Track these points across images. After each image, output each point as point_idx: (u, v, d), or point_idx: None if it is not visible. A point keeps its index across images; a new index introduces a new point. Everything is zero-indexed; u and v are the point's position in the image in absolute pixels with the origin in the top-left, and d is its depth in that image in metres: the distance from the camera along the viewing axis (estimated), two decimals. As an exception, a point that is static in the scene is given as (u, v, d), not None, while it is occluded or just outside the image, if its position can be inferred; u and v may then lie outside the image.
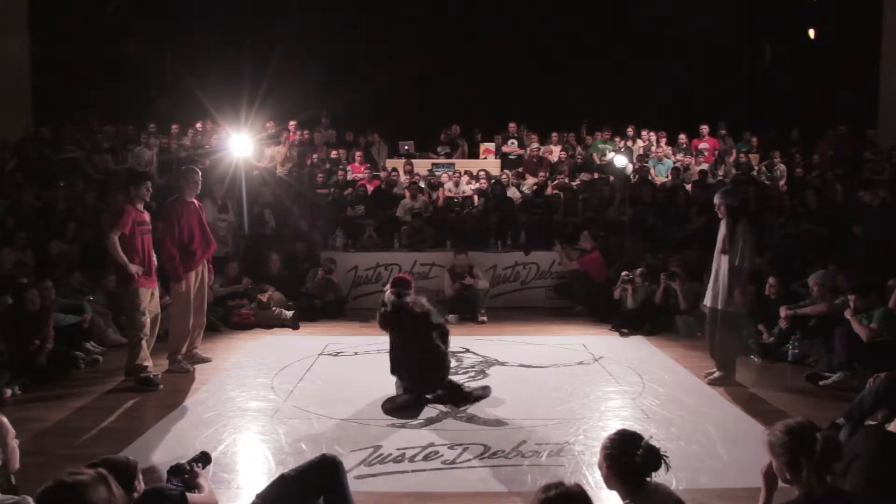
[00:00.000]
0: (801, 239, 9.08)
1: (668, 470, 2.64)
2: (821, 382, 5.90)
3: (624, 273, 8.41)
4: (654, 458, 2.59)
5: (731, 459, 4.34)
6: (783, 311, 6.90)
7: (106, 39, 13.66)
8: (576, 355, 6.99)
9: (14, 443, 2.55)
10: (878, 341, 5.93)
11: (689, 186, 11.03)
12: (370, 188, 11.38)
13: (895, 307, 6.40)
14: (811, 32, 14.44)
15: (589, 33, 14.19)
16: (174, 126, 12.77)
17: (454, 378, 6.08)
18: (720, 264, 5.96)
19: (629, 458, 2.57)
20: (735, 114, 13.44)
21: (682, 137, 12.78)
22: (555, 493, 2.14)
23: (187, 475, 2.90)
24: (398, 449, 4.47)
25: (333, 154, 12.75)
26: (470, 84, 14.23)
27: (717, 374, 6.07)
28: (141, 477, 2.69)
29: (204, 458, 3.08)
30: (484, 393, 5.55)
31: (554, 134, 13.36)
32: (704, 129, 12.87)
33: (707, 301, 6.13)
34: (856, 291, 6.11)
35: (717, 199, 6.01)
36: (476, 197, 11.38)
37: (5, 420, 2.54)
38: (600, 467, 2.69)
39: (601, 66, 14.09)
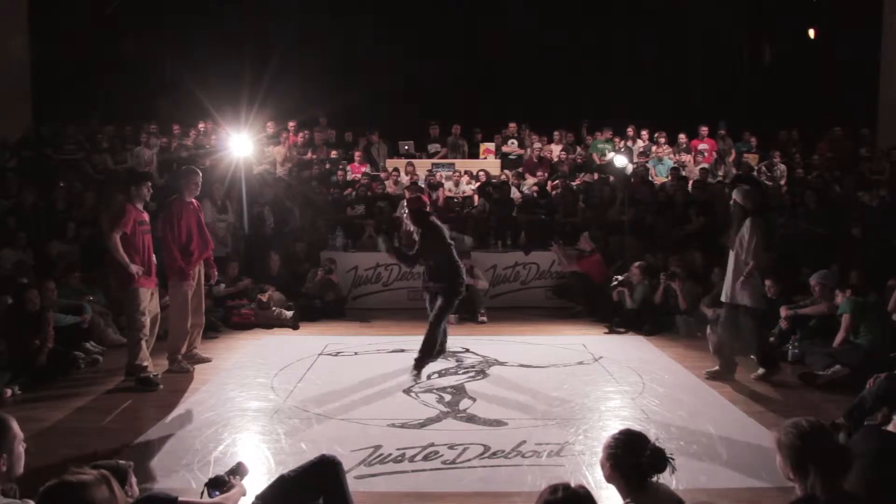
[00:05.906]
0: (801, 239, 9.08)
1: (672, 472, 2.63)
2: (819, 382, 5.89)
3: (615, 277, 8.47)
4: (660, 460, 2.57)
5: (731, 459, 4.34)
6: (783, 311, 6.91)
7: (106, 39, 13.62)
8: (575, 355, 7.00)
9: (20, 449, 2.54)
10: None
11: (689, 185, 11.03)
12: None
13: (894, 308, 6.43)
14: (811, 32, 14.43)
15: (589, 33, 14.17)
16: (176, 126, 12.76)
17: (453, 378, 6.10)
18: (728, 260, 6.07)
19: (634, 459, 2.56)
20: (735, 114, 13.43)
21: (682, 137, 12.77)
22: (562, 495, 2.12)
23: (226, 487, 2.95)
24: (398, 449, 4.46)
25: (333, 154, 12.75)
26: (470, 84, 14.21)
27: (716, 368, 6.09)
28: (134, 480, 2.69)
29: (240, 470, 3.12)
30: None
31: (555, 133, 13.36)
32: (704, 130, 12.86)
33: (721, 296, 6.18)
34: (853, 290, 6.31)
35: (734, 195, 6.08)
36: (476, 197, 11.37)
37: (15, 425, 2.52)
38: (603, 466, 2.67)
39: (601, 65, 14.09)
